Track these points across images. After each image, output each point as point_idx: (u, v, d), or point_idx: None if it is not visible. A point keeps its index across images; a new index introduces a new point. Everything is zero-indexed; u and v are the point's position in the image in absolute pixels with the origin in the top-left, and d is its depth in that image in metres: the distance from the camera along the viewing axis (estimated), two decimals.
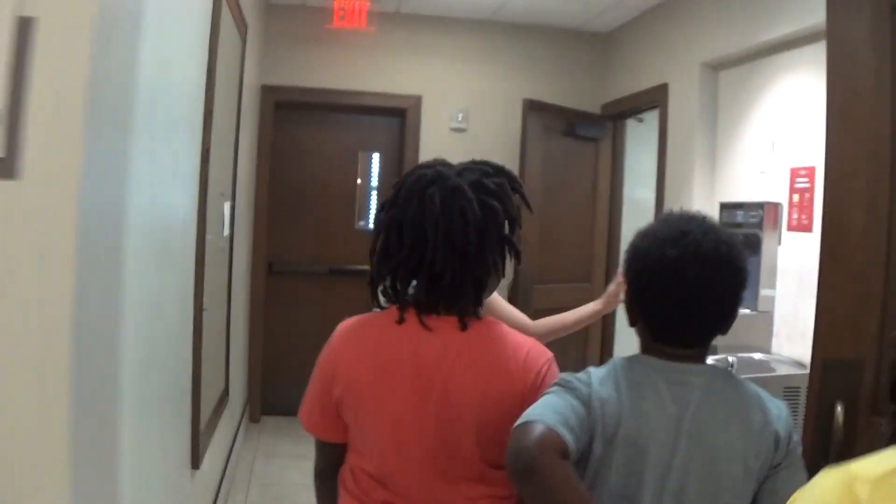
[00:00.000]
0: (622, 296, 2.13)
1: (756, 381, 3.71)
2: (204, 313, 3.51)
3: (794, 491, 1.24)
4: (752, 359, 4.28)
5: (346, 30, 6.47)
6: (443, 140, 6.72)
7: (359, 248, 5.49)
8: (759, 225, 4.39)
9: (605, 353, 6.90)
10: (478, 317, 1.88)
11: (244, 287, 6.15)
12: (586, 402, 1.67)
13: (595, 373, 1.76)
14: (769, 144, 4.56)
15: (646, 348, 1.80)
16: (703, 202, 5.18)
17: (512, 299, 6.20)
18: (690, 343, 1.75)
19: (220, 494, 4.39)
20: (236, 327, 5.46)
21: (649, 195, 6.16)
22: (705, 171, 5.22)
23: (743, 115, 4.91)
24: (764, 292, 4.39)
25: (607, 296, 3.17)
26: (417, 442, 1.80)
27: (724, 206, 4.80)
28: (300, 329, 6.40)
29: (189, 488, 3.42)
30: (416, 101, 6.70)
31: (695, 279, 1.67)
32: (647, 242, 1.76)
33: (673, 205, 5.46)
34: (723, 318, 1.75)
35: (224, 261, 4.33)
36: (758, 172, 4.67)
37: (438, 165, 1.91)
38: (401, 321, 1.85)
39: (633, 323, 1.84)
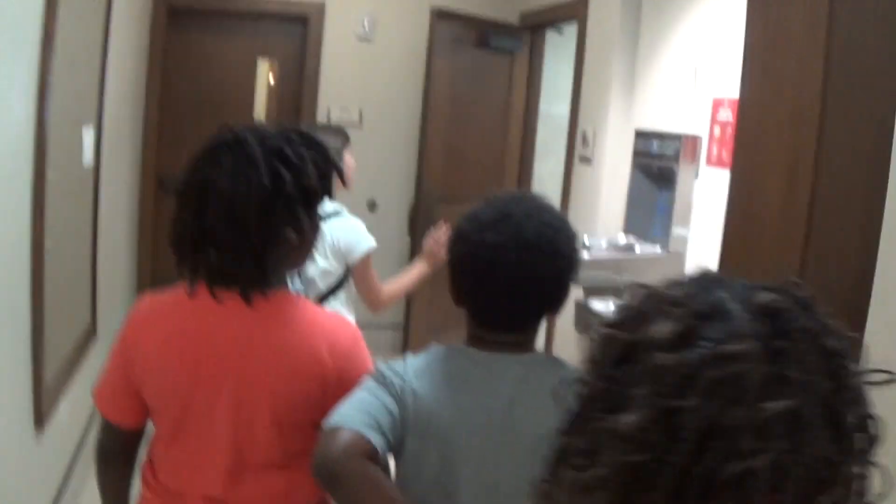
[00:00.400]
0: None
1: None
2: (48, 254, 3.11)
3: None
4: None
5: None
6: (348, 50, 6.26)
7: None
8: (675, 158, 4.08)
9: None
10: (265, 292, 1.74)
11: (130, 207, 5.73)
12: (399, 397, 1.61)
13: (412, 363, 1.68)
14: (691, 71, 4.20)
15: (470, 335, 1.70)
16: (619, 129, 4.85)
17: (413, 220, 5.91)
18: (513, 328, 1.67)
19: (85, 447, 4.03)
20: (115, 254, 5.07)
21: (567, 111, 5.78)
22: (623, 94, 4.86)
23: (665, 37, 4.54)
24: (676, 231, 4.10)
25: (427, 256, 3.33)
26: (212, 424, 1.73)
27: (640, 134, 4.48)
28: None
29: (34, 450, 3.08)
30: (320, 7, 6.18)
31: (514, 265, 1.59)
32: (468, 226, 1.66)
33: (587, 126, 5.12)
34: (548, 303, 1.68)
35: (86, 191, 3.89)
36: (678, 101, 4.32)
37: (245, 130, 1.74)
38: (191, 296, 1.75)
39: (458, 304, 1.72)
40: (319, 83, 6.23)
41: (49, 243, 3.12)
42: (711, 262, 3.88)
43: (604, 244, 4.41)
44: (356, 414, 1.54)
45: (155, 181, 6.12)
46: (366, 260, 3.25)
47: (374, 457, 1.49)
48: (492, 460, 1.58)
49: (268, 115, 6.35)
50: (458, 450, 1.59)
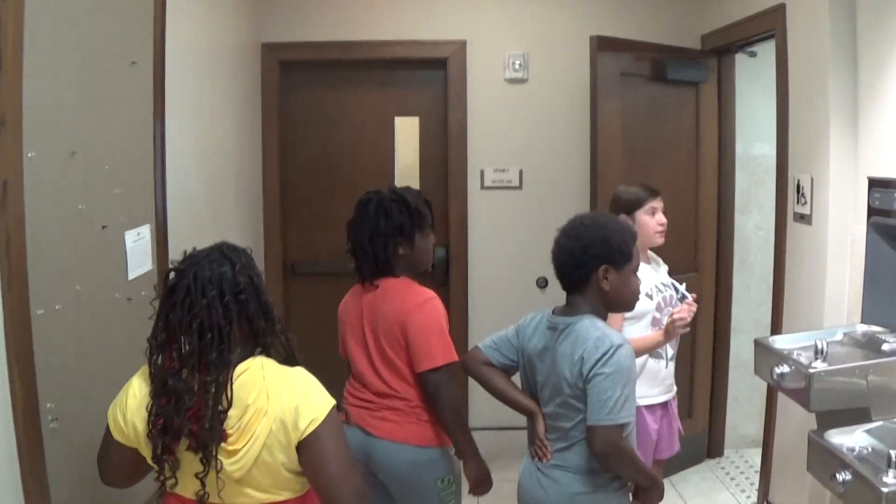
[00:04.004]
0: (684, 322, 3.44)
1: None
2: (51, 420, 2.33)
3: (595, 397, 2.61)
4: None
5: None
6: (496, 94, 5.34)
7: None
8: None
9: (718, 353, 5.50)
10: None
11: None
12: (518, 334, 2.99)
13: (527, 317, 2.99)
14: None
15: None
16: (845, 176, 3.67)
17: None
18: (568, 291, 2.87)
19: None
20: None
21: (771, 150, 4.68)
22: (844, 127, 3.66)
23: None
24: None
25: (667, 327, 3.51)
26: (361, 347, 3.32)
27: (875, 183, 3.27)
28: (332, 337, 5.01)
29: None
30: (460, 47, 5.27)
31: (559, 254, 2.85)
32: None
33: (801, 174, 3.96)
34: (577, 276, 2.81)
35: (139, 313, 3.09)
36: None
37: (378, 192, 3.30)
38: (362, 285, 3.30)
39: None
40: (467, 140, 5.32)
41: (51, 404, 2.31)
42: None
43: (839, 337, 3.21)
44: (489, 340, 3.02)
45: (282, 266, 5.36)
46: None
47: (488, 362, 2.99)
48: (545, 371, 2.85)
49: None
50: (534, 365, 2.90)
